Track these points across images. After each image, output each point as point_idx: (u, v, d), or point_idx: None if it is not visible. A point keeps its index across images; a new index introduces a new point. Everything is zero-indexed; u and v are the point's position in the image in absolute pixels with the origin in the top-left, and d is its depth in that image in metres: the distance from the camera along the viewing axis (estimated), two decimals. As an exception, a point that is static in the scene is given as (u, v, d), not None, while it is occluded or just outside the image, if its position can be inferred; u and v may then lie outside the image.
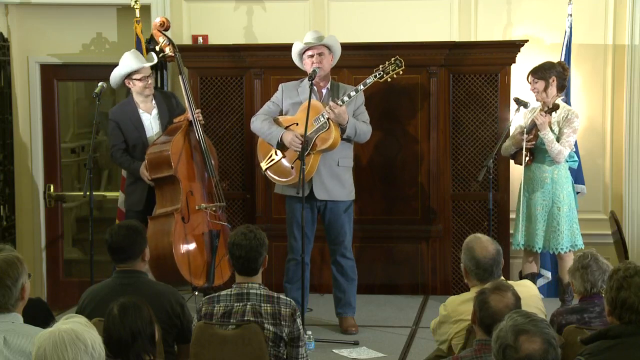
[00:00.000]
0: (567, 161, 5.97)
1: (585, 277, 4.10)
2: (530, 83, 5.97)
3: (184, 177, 5.98)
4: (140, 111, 6.16)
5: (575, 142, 6.35)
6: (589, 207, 6.83)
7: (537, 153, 5.95)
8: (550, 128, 5.86)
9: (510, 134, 6.11)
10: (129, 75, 6.06)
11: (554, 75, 5.91)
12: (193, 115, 6.09)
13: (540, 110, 5.90)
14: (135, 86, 6.09)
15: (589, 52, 6.89)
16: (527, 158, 5.93)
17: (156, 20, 6.36)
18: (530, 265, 6.11)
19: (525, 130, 5.90)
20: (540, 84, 5.91)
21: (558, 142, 5.85)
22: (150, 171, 5.95)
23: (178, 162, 5.95)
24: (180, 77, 6.24)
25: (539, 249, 5.97)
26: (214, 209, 6.07)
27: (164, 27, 6.29)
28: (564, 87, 6.04)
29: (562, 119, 5.91)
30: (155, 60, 6.19)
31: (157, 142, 6.05)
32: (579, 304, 4.17)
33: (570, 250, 5.93)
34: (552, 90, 5.92)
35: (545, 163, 5.94)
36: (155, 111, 6.19)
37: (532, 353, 2.61)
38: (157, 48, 6.35)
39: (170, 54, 6.26)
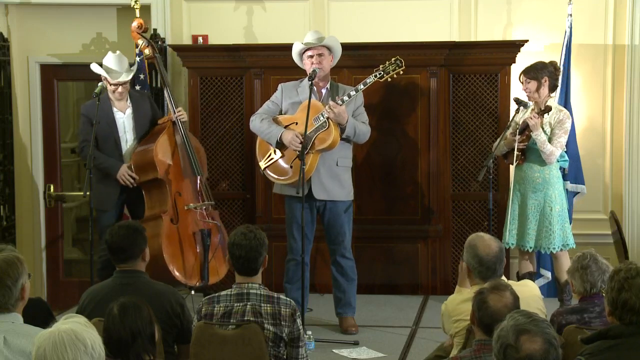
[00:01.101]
0: (557, 161, 5.98)
1: (584, 278, 4.10)
2: (522, 83, 5.98)
3: (170, 178, 6.02)
4: (114, 109, 6.16)
5: (568, 140, 6.40)
6: (589, 207, 6.83)
7: (529, 153, 5.95)
8: (542, 129, 5.87)
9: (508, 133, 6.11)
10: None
11: (546, 75, 5.91)
12: (175, 115, 6.10)
13: (532, 111, 5.91)
14: (108, 87, 6.11)
15: (589, 52, 6.89)
16: (519, 158, 5.93)
17: (133, 23, 6.43)
18: (526, 263, 6.11)
19: (517, 130, 5.90)
20: (533, 84, 5.91)
21: (550, 142, 5.86)
22: (136, 174, 5.99)
23: (163, 164, 5.99)
24: (160, 77, 6.26)
25: (530, 248, 5.98)
26: (203, 207, 6.08)
27: (142, 29, 6.37)
28: (555, 87, 6.04)
29: (554, 120, 5.91)
30: (128, 78, 6.10)
31: (142, 145, 6.09)
32: (579, 304, 4.17)
33: (562, 250, 5.94)
34: (545, 90, 5.93)
35: (536, 163, 5.94)
36: (129, 110, 6.18)
37: (532, 353, 2.61)
38: (137, 50, 6.41)
39: (149, 54, 6.30)
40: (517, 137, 5.87)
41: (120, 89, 6.09)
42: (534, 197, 5.95)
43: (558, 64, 6.10)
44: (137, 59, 6.76)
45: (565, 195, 6.08)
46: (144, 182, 6.03)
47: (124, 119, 6.18)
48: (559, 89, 6.54)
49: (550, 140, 5.88)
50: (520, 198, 6.01)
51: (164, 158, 6.03)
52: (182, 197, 6.04)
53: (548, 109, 5.85)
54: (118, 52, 6.21)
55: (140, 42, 6.35)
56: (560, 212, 5.94)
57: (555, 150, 5.85)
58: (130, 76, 6.11)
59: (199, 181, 6.16)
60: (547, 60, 6.03)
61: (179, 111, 6.15)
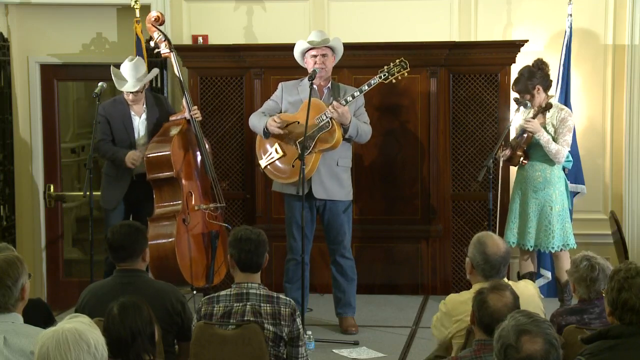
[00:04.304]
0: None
1: (591, 288, 4.09)
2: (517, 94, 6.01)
3: (183, 177, 5.97)
4: (132, 113, 6.18)
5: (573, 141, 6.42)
6: (589, 207, 6.83)
7: (532, 152, 5.96)
8: (545, 129, 5.87)
9: (510, 132, 6.11)
10: None
11: (536, 84, 5.89)
12: (190, 113, 6.09)
13: (525, 119, 5.90)
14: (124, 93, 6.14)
15: (589, 52, 6.89)
16: (522, 159, 5.93)
17: (152, 13, 6.30)
18: (526, 263, 6.11)
19: (517, 134, 5.91)
20: (527, 97, 5.92)
21: (555, 142, 5.86)
22: (149, 171, 5.94)
23: (178, 163, 5.94)
24: (177, 73, 6.20)
25: (531, 247, 5.98)
26: (212, 208, 6.07)
27: (159, 22, 6.24)
28: (550, 85, 6.01)
29: (556, 119, 5.92)
30: (134, 89, 6.06)
31: (155, 141, 6.02)
32: (579, 305, 4.17)
33: (562, 250, 5.94)
34: (541, 95, 5.93)
35: (538, 162, 5.95)
36: (144, 115, 6.19)
37: (533, 353, 2.61)
38: (152, 44, 6.31)
39: (166, 50, 6.23)
40: (518, 139, 5.88)
41: (130, 96, 6.09)
42: (535, 196, 5.96)
43: (542, 59, 6.03)
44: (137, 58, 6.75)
45: (568, 196, 6.07)
46: (156, 179, 5.95)
47: (139, 122, 6.18)
48: (558, 88, 6.56)
49: (555, 140, 5.88)
50: (522, 197, 6.02)
51: (180, 156, 5.97)
52: (193, 197, 6.01)
53: (548, 107, 5.86)
54: (136, 59, 6.15)
55: (155, 35, 6.22)
56: (560, 211, 5.94)
57: (561, 148, 5.85)
58: (137, 87, 6.05)
59: (208, 182, 6.15)
60: (532, 62, 6.00)
61: (194, 110, 6.13)
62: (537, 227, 5.96)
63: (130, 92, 6.06)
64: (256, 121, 5.91)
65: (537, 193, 5.96)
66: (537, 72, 5.92)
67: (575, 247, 6.01)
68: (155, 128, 6.16)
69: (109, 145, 6.12)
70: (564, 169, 6.16)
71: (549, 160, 5.92)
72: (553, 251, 5.95)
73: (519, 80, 5.96)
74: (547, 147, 5.83)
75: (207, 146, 6.20)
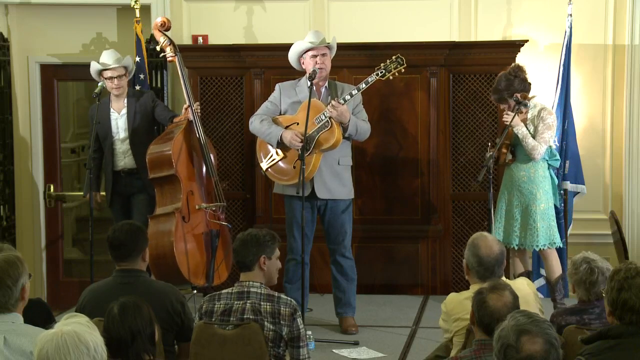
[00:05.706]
0: (546, 160, 5.97)
1: (591, 290, 4.10)
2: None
3: (184, 176, 6.00)
4: (111, 110, 6.37)
5: (568, 140, 6.41)
6: (589, 207, 6.83)
7: (518, 152, 5.97)
8: (525, 126, 5.88)
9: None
10: (102, 72, 6.30)
11: (514, 92, 5.86)
12: (193, 114, 6.10)
13: (505, 113, 5.92)
14: (107, 84, 6.30)
15: (589, 52, 6.89)
16: (506, 155, 5.94)
17: (157, 20, 6.40)
18: (516, 261, 6.12)
19: (504, 131, 5.94)
20: (506, 106, 5.93)
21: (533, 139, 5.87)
22: (150, 171, 6.01)
23: (179, 162, 5.98)
24: (180, 76, 6.23)
25: (515, 245, 5.99)
26: (213, 208, 6.08)
27: (165, 27, 6.32)
28: (529, 87, 5.97)
29: (535, 116, 5.92)
30: (125, 64, 6.32)
31: (157, 141, 6.09)
32: (579, 305, 4.18)
33: (549, 248, 5.94)
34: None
35: (523, 162, 5.96)
36: (124, 111, 6.35)
37: (533, 354, 2.61)
38: (158, 48, 6.38)
39: (171, 54, 6.27)
40: (501, 137, 5.91)
41: (115, 81, 6.26)
42: (519, 196, 5.97)
43: (519, 64, 6.02)
44: (137, 58, 6.77)
45: (555, 194, 6.05)
46: (157, 178, 6.02)
47: (117, 118, 6.36)
48: (558, 88, 6.56)
49: (533, 137, 5.88)
50: (508, 196, 6.04)
51: (180, 155, 6.02)
52: (194, 196, 6.03)
53: (524, 98, 5.84)
54: (111, 49, 6.41)
55: (161, 39, 6.29)
56: (545, 210, 5.93)
57: (537, 145, 5.84)
58: (116, 65, 6.24)
59: (211, 181, 6.16)
60: (508, 69, 5.99)
61: (197, 106, 6.19)
62: (522, 226, 5.96)
63: (109, 69, 6.23)
64: (264, 129, 5.85)
65: (522, 192, 5.96)
66: (515, 80, 5.90)
67: (562, 246, 6.04)
68: (136, 124, 6.33)
69: (92, 161, 6.29)
70: (556, 169, 6.15)
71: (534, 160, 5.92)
72: (537, 249, 5.96)
73: (496, 90, 5.95)
74: (524, 142, 5.83)
75: (212, 157, 6.20)
